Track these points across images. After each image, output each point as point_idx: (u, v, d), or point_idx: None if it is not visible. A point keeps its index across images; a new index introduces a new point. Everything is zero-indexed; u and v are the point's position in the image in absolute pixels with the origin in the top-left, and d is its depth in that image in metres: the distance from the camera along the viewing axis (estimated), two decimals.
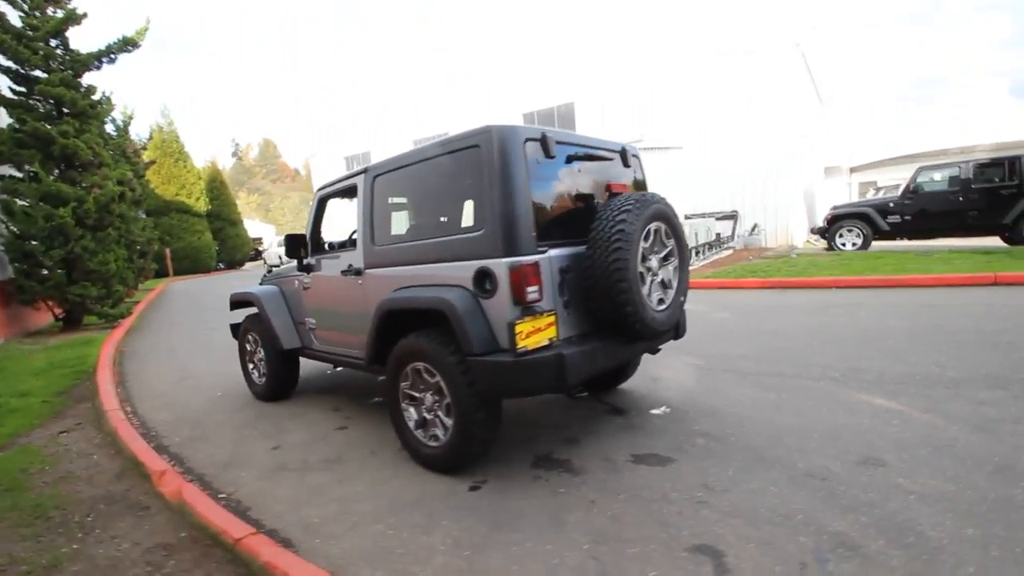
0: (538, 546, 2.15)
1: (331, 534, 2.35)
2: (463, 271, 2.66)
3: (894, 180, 16.89)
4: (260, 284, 4.88)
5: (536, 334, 2.49)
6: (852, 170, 24.98)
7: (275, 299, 4.36)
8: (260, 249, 32.35)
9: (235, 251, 28.48)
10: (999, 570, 1.79)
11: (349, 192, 3.60)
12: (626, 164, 3.31)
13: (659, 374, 4.33)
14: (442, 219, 2.92)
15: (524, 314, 2.48)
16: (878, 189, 16.81)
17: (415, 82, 22.97)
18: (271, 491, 2.83)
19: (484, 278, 2.57)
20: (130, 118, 16.51)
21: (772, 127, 15.68)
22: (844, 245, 11.20)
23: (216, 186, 28.47)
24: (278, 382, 4.42)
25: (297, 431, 3.75)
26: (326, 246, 4.09)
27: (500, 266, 2.50)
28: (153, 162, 21.62)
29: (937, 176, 10.10)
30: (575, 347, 2.58)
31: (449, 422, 2.77)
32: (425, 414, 2.95)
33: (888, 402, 3.38)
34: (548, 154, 2.70)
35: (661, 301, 2.90)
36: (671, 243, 2.96)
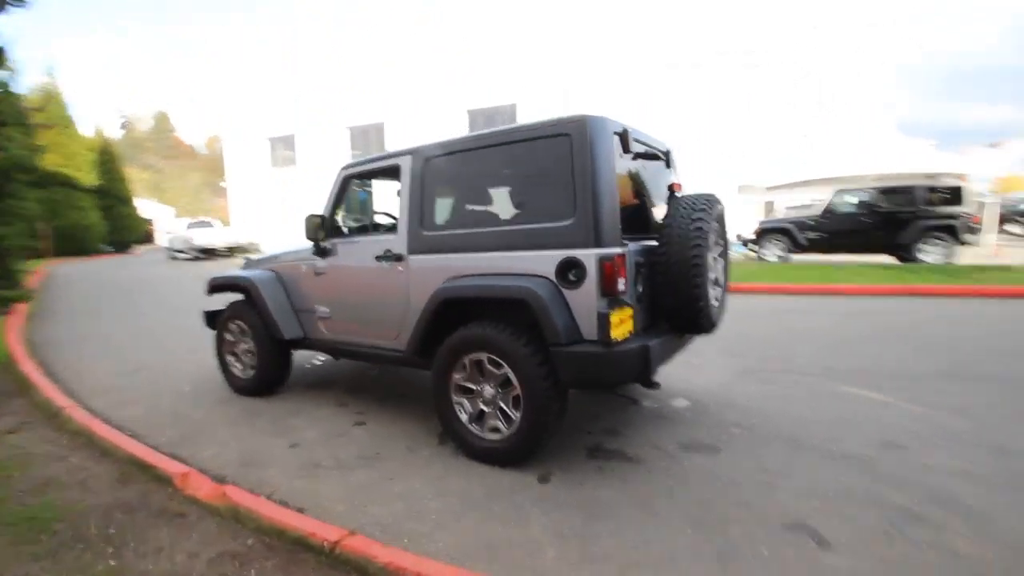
0: (642, 533, 2.18)
1: (417, 532, 2.22)
2: (544, 261, 2.62)
3: (794, 201, 18.79)
4: (243, 268, 4.45)
5: (621, 326, 2.52)
6: (768, 189, 27.51)
7: (272, 285, 3.99)
8: (158, 232, 29.16)
9: (126, 232, 25.49)
10: None
11: (387, 173, 3.39)
12: (668, 165, 3.43)
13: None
14: (513, 207, 2.85)
15: (611, 305, 2.50)
16: (771, 210, 18.74)
17: (350, 68, 21.85)
18: (316, 490, 2.60)
19: (569, 268, 2.55)
20: (11, 71, 14.15)
21: (700, 143, 16.87)
22: (766, 256, 12.37)
23: (106, 159, 25.29)
24: (270, 375, 4.05)
25: (308, 428, 3.47)
26: (344, 230, 3.82)
27: (589, 257, 2.50)
28: (51, 126, 18.69)
29: (849, 199, 11.48)
30: (653, 339, 2.64)
31: (516, 414, 2.72)
32: (483, 406, 2.86)
33: (873, 393, 3.81)
34: (626, 149, 2.74)
35: (715, 297, 3.06)
36: (722, 242, 3.13)
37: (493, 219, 2.90)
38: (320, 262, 3.69)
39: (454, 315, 2.94)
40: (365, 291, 3.42)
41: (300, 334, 3.90)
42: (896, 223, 10.82)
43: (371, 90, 21.29)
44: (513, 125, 2.79)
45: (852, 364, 4.51)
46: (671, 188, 3.09)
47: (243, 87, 25.52)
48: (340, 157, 22.69)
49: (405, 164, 3.22)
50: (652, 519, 2.28)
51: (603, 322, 2.45)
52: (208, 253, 21.87)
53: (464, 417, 2.92)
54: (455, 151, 3.01)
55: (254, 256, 4.56)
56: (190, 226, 22.41)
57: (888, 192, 11.12)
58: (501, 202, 2.94)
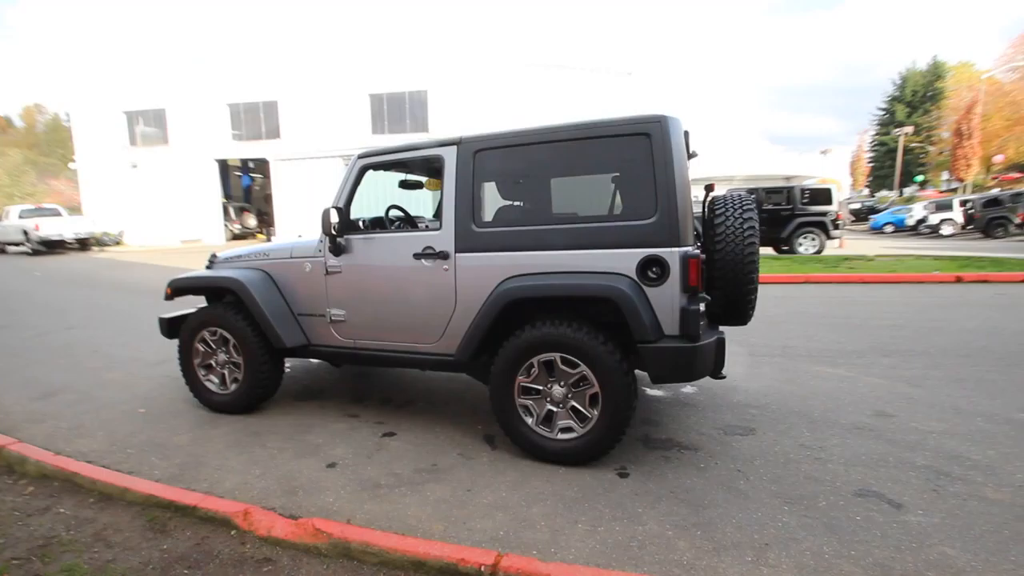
0: (749, 515, 2.33)
1: (541, 541, 2.14)
2: (624, 259, 2.63)
3: None
4: (212, 268, 3.85)
5: (701, 321, 2.63)
6: None
7: (265, 287, 3.51)
8: None
9: None
10: None
11: (418, 165, 3.14)
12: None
13: None
14: (583, 204, 2.81)
15: (691, 302, 2.60)
16: None
17: (234, 37, 19.54)
18: (399, 512, 2.38)
19: (650, 266, 2.60)
20: None
21: None
22: None
23: None
24: (261, 390, 3.57)
25: (333, 444, 3.14)
26: (360, 224, 3.47)
27: (673, 255, 2.57)
28: None
29: None
30: (717, 332, 2.80)
31: (592, 412, 2.72)
32: (551, 407, 2.82)
33: (835, 370, 4.40)
34: (688, 149, 2.85)
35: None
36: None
37: (558, 216, 2.85)
38: (333, 259, 3.33)
39: (511, 316, 2.85)
40: (398, 292, 3.16)
41: (302, 341, 3.49)
42: (779, 220, 12.45)
43: (260, 64, 19.28)
44: (582, 121, 2.75)
45: (800, 344, 5.14)
46: (708, 187, 3.27)
47: (90, 48, 21.62)
48: (219, 137, 20.32)
49: (449, 156, 3.02)
50: (746, 501, 2.44)
51: (691, 318, 2.54)
52: (52, 246, 18.46)
53: (530, 420, 2.85)
54: (514, 144, 2.89)
55: (223, 253, 3.96)
56: (23, 214, 18.66)
57: (772, 192, 12.73)
58: (567, 199, 2.89)
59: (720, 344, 2.68)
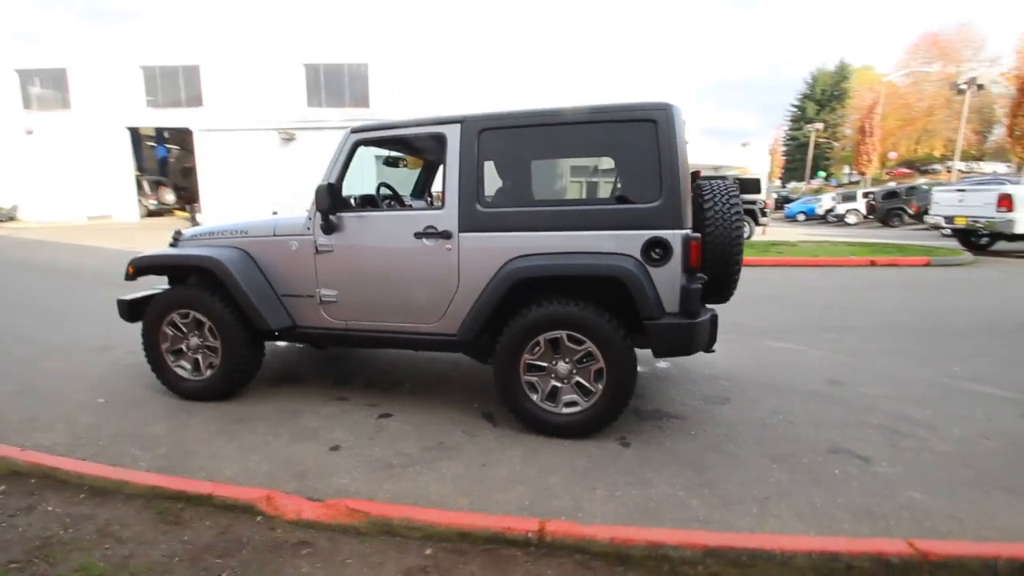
0: (745, 474, 2.56)
1: (567, 508, 2.24)
2: (629, 240, 2.75)
3: None
4: (178, 246, 3.59)
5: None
6: None
7: (245, 265, 3.32)
8: None
9: None
10: (977, 422, 3.06)
11: (415, 143, 3.07)
12: None
13: None
14: (587, 187, 2.88)
15: (691, 281, 2.77)
16: None
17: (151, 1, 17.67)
18: (420, 490, 2.40)
19: (654, 247, 2.74)
20: None
21: None
22: None
23: None
24: (241, 374, 3.40)
25: (329, 427, 3.08)
26: (352, 201, 3.35)
27: (675, 237, 2.72)
28: None
29: None
30: (710, 310, 3.00)
31: (597, 387, 2.84)
32: (556, 383, 2.92)
33: (787, 344, 4.82)
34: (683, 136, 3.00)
35: None
36: None
37: (563, 198, 2.91)
38: (324, 238, 3.21)
39: (514, 296, 2.91)
40: (397, 272, 3.11)
41: (288, 323, 3.35)
42: None
43: (180, 24, 17.61)
44: (589, 105, 2.82)
45: (751, 322, 5.57)
46: (695, 174, 3.45)
47: None
48: (131, 103, 18.46)
49: (452, 134, 2.98)
50: (739, 462, 2.68)
51: (692, 296, 2.72)
52: None
53: (535, 396, 2.93)
54: (519, 125, 2.91)
55: (188, 231, 3.69)
56: None
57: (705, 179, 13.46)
58: (572, 181, 2.96)
59: (713, 320, 2.88)
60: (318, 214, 3.19)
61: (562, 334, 2.83)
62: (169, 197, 23.24)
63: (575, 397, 2.91)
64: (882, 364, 4.22)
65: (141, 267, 3.46)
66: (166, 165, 25.35)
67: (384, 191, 3.73)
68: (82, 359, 4.33)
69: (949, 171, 40.46)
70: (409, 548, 1.93)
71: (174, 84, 17.75)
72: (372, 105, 17.35)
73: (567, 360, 2.88)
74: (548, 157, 2.93)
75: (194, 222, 16.82)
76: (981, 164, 40.90)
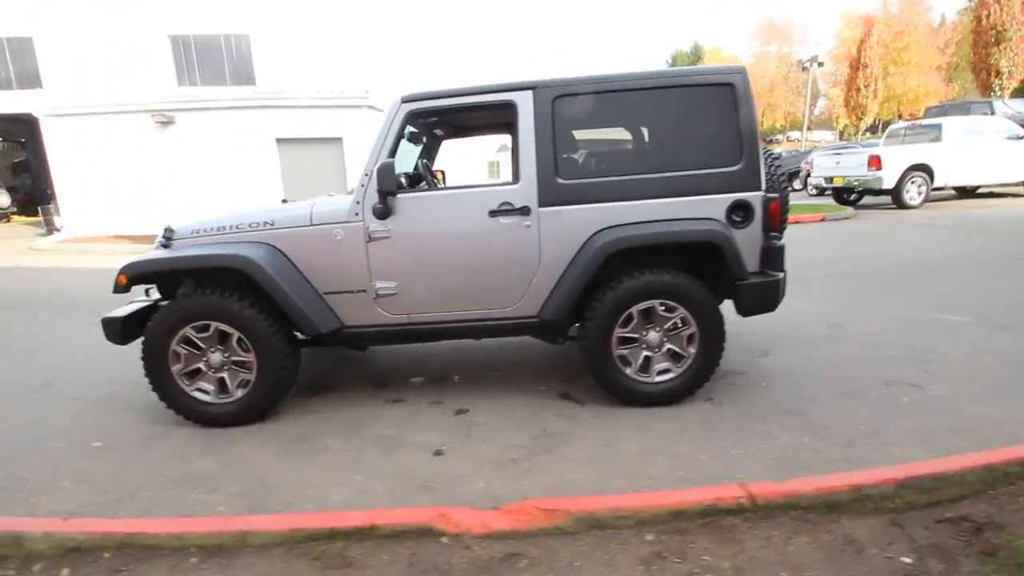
0: (836, 413, 2.76)
1: (724, 473, 2.27)
2: (714, 205, 2.80)
3: None
4: (168, 246, 2.98)
5: None
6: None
7: (282, 263, 2.84)
8: None
9: None
10: (964, 344, 3.59)
11: (479, 112, 2.81)
12: None
13: None
14: (668, 152, 2.85)
15: (769, 240, 2.90)
16: None
17: None
18: (569, 480, 2.28)
19: (736, 210, 2.82)
20: None
21: None
22: None
23: None
24: (284, 387, 2.95)
25: (412, 432, 2.80)
26: (402, 180, 2.98)
27: (756, 199, 2.82)
28: None
29: None
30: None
31: (690, 351, 2.88)
32: (647, 353, 2.91)
33: None
34: None
35: None
36: None
37: (645, 165, 2.85)
38: (376, 224, 2.84)
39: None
40: (469, 254, 2.86)
41: (335, 324, 2.95)
42: None
43: None
44: (666, 69, 2.79)
45: None
46: None
47: None
48: None
49: (523, 102, 2.78)
50: (824, 404, 2.89)
51: (776, 254, 2.85)
52: None
53: (629, 369, 2.91)
54: (597, 91, 2.78)
55: (185, 227, 3.04)
56: None
57: None
58: (652, 147, 2.91)
59: (785, 279, 3.05)
60: (367, 197, 2.82)
61: (655, 303, 2.82)
62: (2, 199, 19.09)
63: (668, 365, 2.93)
64: (856, 305, 4.80)
65: (137, 275, 2.81)
66: None
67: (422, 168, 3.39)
68: (25, 400, 3.46)
69: (789, 140, 46.64)
70: (627, 538, 1.83)
71: (0, 60, 14.37)
72: (259, 82, 15.57)
73: (658, 329, 2.89)
74: (625, 124, 2.85)
75: (50, 228, 13.98)
76: (812, 133, 47.70)
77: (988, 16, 19.96)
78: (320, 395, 3.36)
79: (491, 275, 2.89)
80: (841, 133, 42.30)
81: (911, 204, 11.16)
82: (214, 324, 2.82)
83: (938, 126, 11.43)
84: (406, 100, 2.82)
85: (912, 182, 11.12)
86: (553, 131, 2.79)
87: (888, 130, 13.40)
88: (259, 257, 2.77)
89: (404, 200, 2.85)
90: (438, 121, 3.43)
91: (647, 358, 2.92)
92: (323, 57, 15.36)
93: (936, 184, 11.13)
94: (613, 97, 2.81)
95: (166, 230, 3.05)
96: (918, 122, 12.53)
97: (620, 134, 2.89)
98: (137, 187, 12.92)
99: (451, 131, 3.88)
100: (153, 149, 12.89)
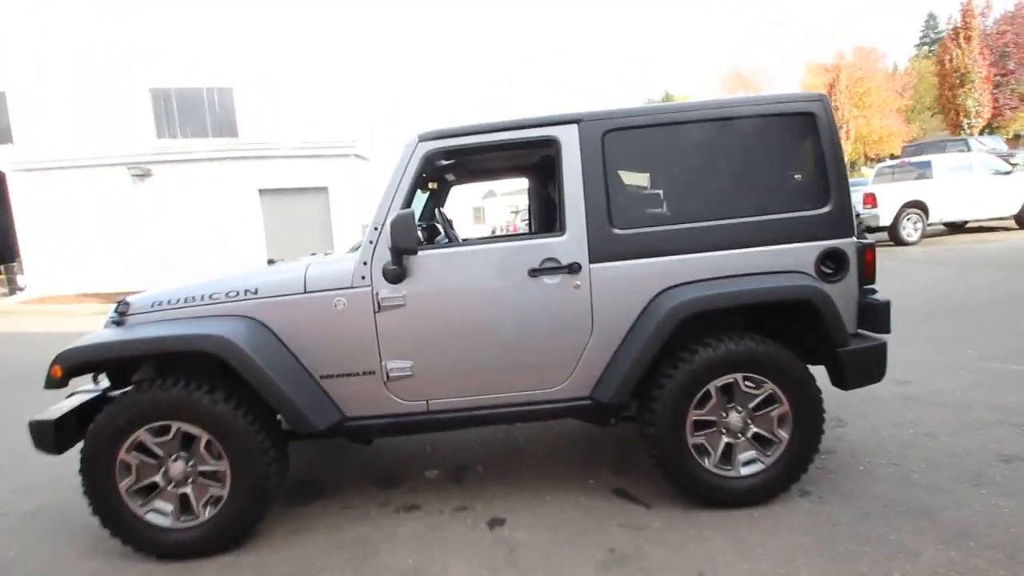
0: (971, 511, 2.20)
1: None
2: (801, 254, 2.31)
3: None
4: (121, 323, 2.36)
5: None
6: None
7: (267, 342, 2.24)
8: None
9: None
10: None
11: (518, 151, 2.32)
12: None
13: None
14: (742, 194, 2.38)
15: (865, 295, 2.41)
16: None
17: None
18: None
19: (828, 260, 2.33)
20: None
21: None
22: None
23: None
24: (269, 501, 2.29)
25: (441, 560, 2.15)
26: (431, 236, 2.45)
27: (849, 246, 2.35)
28: None
29: None
30: None
31: (782, 436, 2.32)
32: (728, 439, 2.33)
33: None
34: None
35: None
36: None
37: (716, 210, 2.36)
38: (388, 289, 2.27)
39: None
40: (504, 323, 2.30)
41: (335, 417, 2.32)
42: None
43: None
44: (733, 97, 2.35)
45: None
46: None
47: None
48: None
49: (568, 138, 2.29)
50: (941, 497, 2.31)
51: (882, 314, 2.36)
52: None
53: (707, 460, 2.32)
54: (651, 124, 2.32)
55: (141, 299, 2.43)
56: None
57: None
58: (723, 188, 2.44)
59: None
60: (376, 256, 2.27)
61: (738, 377, 2.27)
62: None
63: (754, 454, 2.35)
64: (910, 355, 4.30)
65: (76, 366, 2.16)
66: None
67: (440, 219, 2.86)
68: None
69: None
70: None
71: None
72: (241, 133, 15.20)
73: (739, 409, 2.33)
74: (687, 161, 2.38)
75: (13, 287, 13.03)
76: None
77: (951, 60, 20.94)
78: (312, 503, 2.67)
79: (532, 349, 2.32)
80: None
81: (908, 241, 11.05)
82: (176, 425, 2.18)
83: (928, 163, 11.47)
84: (424, 139, 2.31)
85: (908, 219, 11.05)
86: (604, 172, 2.30)
87: (876, 168, 13.50)
88: (237, 336, 2.16)
89: (423, 259, 2.30)
90: (456, 163, 2.94)
91: (728, 445, 2.34)
92: (308, 107, 15.14)
93: (930, 220, 11.09)
94: (673, 130, 2.35)
95: (119, 304, 2.42)
96: (907, 160, 12.63)
97: (685, 173, 2.41)
98: (109, 243, 12.19)
99: (466, 174, 3.40)
100: (128, 204, 12.26)
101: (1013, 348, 4.17)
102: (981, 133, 20.71)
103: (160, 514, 2.24)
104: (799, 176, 2.40)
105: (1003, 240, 10.65)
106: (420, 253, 2.27)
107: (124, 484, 2.20)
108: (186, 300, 2.37)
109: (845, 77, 30.68)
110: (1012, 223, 11.47)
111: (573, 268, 2.28)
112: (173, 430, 2.19)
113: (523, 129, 2.33)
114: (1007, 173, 11.17)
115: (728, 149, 2.39)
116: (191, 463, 2.22)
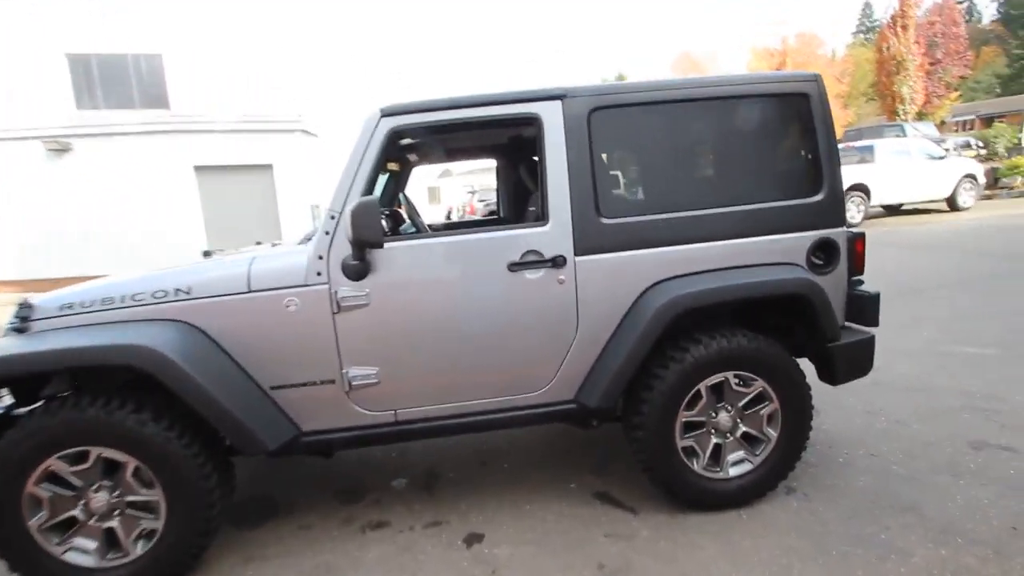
0: (953, 504, 2.20)
1: None
2: (793, 245, 2.20)
3: None
4: (24, 330, 1.98)
5: None
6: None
7: (203, 351, 1.92)
8: None
9: None
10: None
11: (492, 130, 2.06)
12: None
13: None
14: (733, 180, 2.22)
15: (854, 287, 2.34)
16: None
17: None
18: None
19: (819, 251, 2.23)
20: None
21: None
22: None
23: None
24: (207, 534, 1.99)
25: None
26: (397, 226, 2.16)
27: (840, 236, 2.25)
28: None
29: None
30: None
31: (770, 434, 2.23)
32: (717, 440, 2.22)
33: None
34: None
35: None
36: None
37: (708, 197, 2.19)
38: (348, 287, 1.99)
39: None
40: (482, 323, 2.07)
41: (290, 432, 2.04)
42: None
43: None
44: (724, 75, 2.18)
45: None
46: None
47: None
48: None
49: (550, 115, 2.06)
50: (920, 489, 2.31)
51: (870, 306, 2.28)
52: None
53: (696, 462, 2.20)
54: (642, 102, 2.11)
55: (48, 299, 2.04)
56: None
57: None
58: (715, 174, 2.27)
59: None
60: (333, 249, 1.99)
61: (728, 376, 2.15)
62: None
63: (742, 453, 2.25)
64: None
65: None
66: None
67: (405, 205, 2.57)
68: None
69: None
70: None
71: None
72: (173, 105, 13.96)
73: (729, 408, 2.21)
74: (678, 143, 2.19)
75: None
76: None
77: (888, 48, 21.86)
78: (262, 525, 2.39)
79: (511, 351, 2.11)
80: None
81: (852, 223, 11.51)
82: (96, 450, 1.84)
83: (870, 147, 11.94)
84: (388, 113, 2.01)
85: (851, 201, 11.49)
86: (591, 154, 2.08)
87: None
88: (166, 345, 1.83)
89: (389, 251, 2.02)
90: (421, 142, 2.64)
91: (717, 446, 2.23)
92: (250, 78, 14.04)
93: (872, 203, 11.58)
94: (664, 109, 2.15)
95: (21, 306, 2.03)
96: (852, 144, 13.10)
97: (676, 156, 2.23)
98: (21, 225, 10.99)
99: (430, 155, 3.10)
100: (44, 182, 11.05)
101: (966, 330, 4.31)
102: (915, 120, 21.85)
103: (82, 552, 1.91)
104: (792, 162, 2.27)
105: (941, 222, 11.25)
106: (385, 245, 2.00)
107: (35, 521, 1.86)
108: (103, 301, 2.00)
109: (791, 62, 31.57)
110: (943, 205, 12.15)
111: (557, 261, 2.07)
112: (93, 456, 1.85)
113: (500, 105, 2.07)
114: (941, 158, 11.79)
115: (722, 131, 2.23)
116: (117, 493, 1.90)
